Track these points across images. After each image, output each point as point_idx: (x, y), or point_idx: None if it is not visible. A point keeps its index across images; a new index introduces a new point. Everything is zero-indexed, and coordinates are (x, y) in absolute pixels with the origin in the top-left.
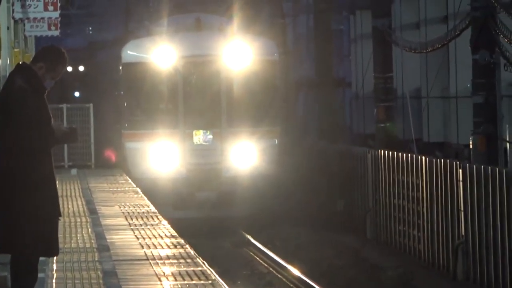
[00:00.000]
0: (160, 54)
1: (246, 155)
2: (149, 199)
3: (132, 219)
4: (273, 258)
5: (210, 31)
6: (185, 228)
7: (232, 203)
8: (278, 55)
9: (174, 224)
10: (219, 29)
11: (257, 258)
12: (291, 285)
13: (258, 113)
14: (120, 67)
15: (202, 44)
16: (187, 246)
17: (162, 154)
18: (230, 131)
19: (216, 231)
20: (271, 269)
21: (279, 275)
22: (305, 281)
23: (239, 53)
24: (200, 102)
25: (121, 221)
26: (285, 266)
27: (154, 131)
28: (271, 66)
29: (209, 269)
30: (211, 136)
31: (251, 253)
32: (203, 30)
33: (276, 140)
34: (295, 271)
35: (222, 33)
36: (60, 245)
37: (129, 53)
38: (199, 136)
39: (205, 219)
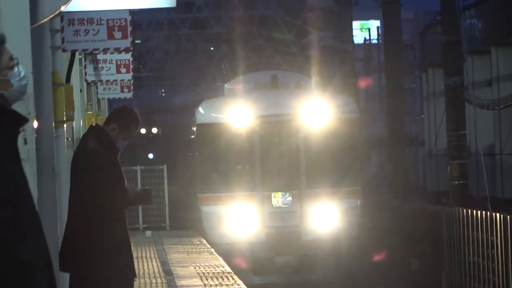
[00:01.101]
0: (235, 114)
1: (327, 217)
2: (227, 264)
3: (207, 279)
4: None
5: (287, 89)
6: None
7: (313, 268)
8: (359, 113)
9: None
10: (296, 86)
11: None
12: None
13: (338, 172)
14: (194, 128)
15: (279, 103)
16: None
17: (240, 217)
18: (310, 192)
19: None
20: None
21: None
22: None
23: (318, 111)
24: (278, 162)
25: (197, 281)
26: None
27: (231, 193)
28: (351, 123)
29: None
30: (290, 198)
31: None
32: (279, 88)
33: (358, 201)
34: None
35: (300, 91)
36: None
37: (203, 113)
38: (278, 198)
39: (286, 284)
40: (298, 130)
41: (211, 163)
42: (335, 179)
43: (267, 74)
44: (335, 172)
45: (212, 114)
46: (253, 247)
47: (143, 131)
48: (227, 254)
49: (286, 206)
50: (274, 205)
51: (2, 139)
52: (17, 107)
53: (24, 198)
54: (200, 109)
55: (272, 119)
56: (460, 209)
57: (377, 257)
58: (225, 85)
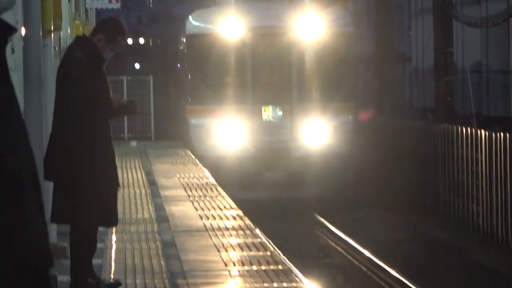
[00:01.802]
0: (227, 25)
1: (318, 133)
2: (214, 178)
3: (191, 190)
4: (347, 241)
5: (280, 1)
6: (253, 210)
7: (303, 184)
8: (352, 27)
9: (241, 205)
10: None
11: (331, 242)
12: (363, 268)
13: (331, 88)
14: (184, 39)
15: (272, 15)
16: (246, 218)
17: (229, 131)
18: (301, 107)
19: (286, 213)
20: (345, 253)
21: (350, 257)
22: (377, 263)
23: (312, 24)
24: (270, 76)
25: (180, 192)
26: (360, 251)
27: (221, 106)
28: (346, 38)
29: (268, 241)
30: (281, 113)
31: (324, 237)
32: (273, 0)
33: (350, 117)
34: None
35: (294, 3)
36: (120, 216)
37: (194, 23)
38: (268, 113)
39: (274, 200)
40: (291, 43)
41: (200, 74)
42: (327, 94)
43: None
44: (328, 87)
45: (202, 25)
46: (241, 162)
47: (130, 41)
48: (215, 168)
49: (276, 120)
50: (264, 119)
51: None
52: (5, 16)
53: (11, 110)
54: (190, 19)
55: (264, 31)
56: (446, 126)
57: (363, 116)
58: None
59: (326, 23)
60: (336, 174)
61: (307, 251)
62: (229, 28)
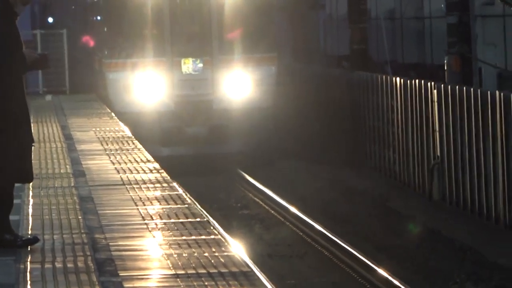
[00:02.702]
0: None
1: (240, 85)
2: (134, 135)
3: (107, 144)
4: (265, 192)
5: None
6: (174, 166)
7: (225, 139)
8: None
9: (162, 161)
10: None
11: (250, 195)
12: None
13: (253, 38)
14: None
15: None
16: (163, 171)
17: (147, 85)
18: (223, 59)
19: (208, 169)
20: (263, 204)
21: (268, 208)
22: (295, 213)
23: None
24: (189, 26)
25: (97, 146)
26: (282, 204)
27: (138, 59)
28: None
29: (184, 193)
30: (201, 65)
31: (244, 190)
32: None
33: (274, 68)
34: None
35: None
36: (35, 171)
37: None
38: (188, 65)
39: (195, 156)
40: None
41: (116, 27)
42: (249, 45)
43: None
44: (250, 38)
45: None
46: (161, 117)
47: None
48: (133, 124)
49: (196, 73)
50: (184, 72)
51: None
52: None
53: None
54: None
55: None
56: (361, 73)
57: None
58: None
59: None
60: (259, 128)
61: (226, 204)
62: None
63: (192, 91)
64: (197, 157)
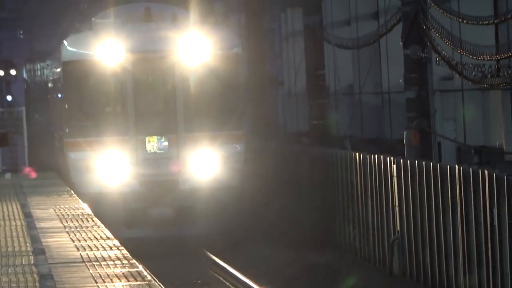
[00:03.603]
0: (105, 49)
1: (206, 164)
2: (97, 217)
3: (67, 221)
4: (242, 280)
5: (161, 23)
6: (139, 249)
7: (192, 220)
8: (241, 48)
9: (127, 244)
10: (172, 20)
11: (225, 281)
12: None
13: (219, 115)
14: (59, 66)
15: (153, 38)
16: (123, 248)
17: (111, 164)
18: (188, 137)
19: (175, 251)
20: (227, 283)
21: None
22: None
23: (196, 47)
24: (153, 104)
25: (56, 223)
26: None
27: (101, 138)
28: (233, 60)
29: (145, 270)
30: (166, 143)
31: (217, 275)
32: (153, 22)
33: (241, 146)
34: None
35: (176, 25)
36: None
37: (69, 49)
38: (153, 143)
39: (161, 238)
40: (175, 68)
41: (78, 104)
42: (216, 122)
43: (140, 6)
44: (216, 114)
45: (79, 50)
46: (125, 198)
47: (1, 73)
48: (96, 204)
49: (162, 151)
50: (148, 151)
51: None
52: None
53: None
54: (65, 44)
55: (145, 56)
56: (320, 149)
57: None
58: (93, 19)
59: (212, 45)
60: (226, 208)
61: (188, 280)
62: (108, 53)
63: (157, 170)
64: (163, 239)
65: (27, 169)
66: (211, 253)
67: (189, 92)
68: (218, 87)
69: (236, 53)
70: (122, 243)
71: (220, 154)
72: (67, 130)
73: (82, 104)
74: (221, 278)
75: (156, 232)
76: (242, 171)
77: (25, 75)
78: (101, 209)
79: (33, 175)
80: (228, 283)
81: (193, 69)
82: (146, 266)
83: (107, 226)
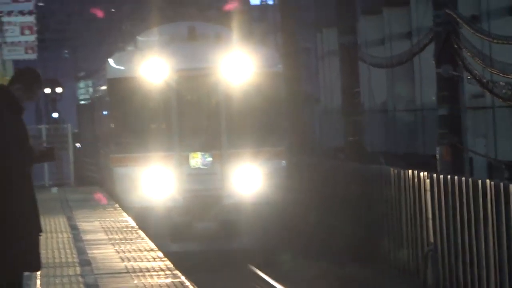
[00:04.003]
0: (149, 67)
1: (249, 180)
2: (142, 230)
3: (112, 233)
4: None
5: (205, 41)
6: (184, 262)
7: (235, 234)
8: (281, 66)
9: (171, 257)
10: (215, 39)
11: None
12: None
13: (262, 131)
14: (105, 84)
15: (197, 56)
16: (166, 259)
17: (156, 180)
18: (232, 153)
19: (219, 265)
20: None
21: None
22: None
23: (239, 65)
24: (197, 120)
25: (101, 236)
26: None
27: (146, 154)
28: (274, 78)
29: (187, 281)
30: (210, 159)
31: (255, 284)
32: (197, 41)
33: (284, 162)
34: None
35: (219, 43)
36: (43, 260)
37: (114, 67)
38: (197, 159)
39: (205, 252)
40: (218, 85)
41: (124, 121)
42: (258, 138)
43: (184, 26)
44: (259, 131)
45: (124, 68)
46: (170, 212)
47: (47, 91)
48: (141, 218)
49: (205, 167)
50: (192, 167)
51: None
52: None
53: None
54: (110, 62)
55: (189, 74)
56: (357, 164)
57: None
58: (138, 37)
59: (254, 63)
60: (269, 222)
61: None
62: (152, 70)
63: (201, 185)
64: (207, 253)
65: (98, 195)
66: (254, 266)
67: (232, 109)
68: (260, 104)
69: (277, 71)
70: (166, 256)
71: (262, 170)
72: (113, 146)
73: (127, 121)
74: None
75: (200, 246)
76: (283, 187)
77: (77, 92)
78: (146, 223)
79: (104, 201)
80: None
81: (236, 87)
82: (190, 279)
83: (152, 239)
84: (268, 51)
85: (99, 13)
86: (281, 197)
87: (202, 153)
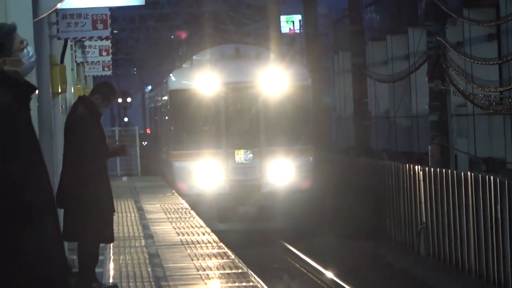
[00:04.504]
0: (203, 81)
1: (283, 172)
2: (196, 213)
3: (170, 213)
4: (311, 264)
5: (248, 60)
6: (229, 239)
7: (271, 216)
8: (311, 81)
9: (219, 235)
10: (256, 58)
11: (296, 265)
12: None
13: (293, 133)
14: (166, 95)
15: (241, 72)
16: (213, 234)
17: (207, 171)
18: (268, 150)
19: (257, 241)
20: (309, 274)
21: (315, 278)
22: (335, 280)
23: (275, 79)
24: (241, 124)
25: (161, 215)
26: (321, 271)
27: (200, 151)
28: (305, 90)
29: (229, 251)
30: (251, 155)
31: (290, 260)
32: (242, 59)
33: (311, 158)
34: (328, 273)
35: (259, 61)
36: (115, 234)
37: (175, 80)
38: (240, 155)
39: (247, 231)
40: (258, 96)
41: (182, 124)
42: (290, 139)
43: (231, 47)
44: (291, 132)
45: (183, 81)
46: (218, 198)
47: (120, 100)
48: (196, 204)
49: (247, 162)
50: (237, 161)
51: (19, 104)
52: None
53: (35, 153)
54: (172, 76)
55: (235, 86)
56: (366, 159)
57: None
58: (194, 57)
59: (288, 77)
60: (298, 206)
61: (264, 261)
62: (205, 84)
63: (244, 176)
64: (248, 231)
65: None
66: (286, 242)
67: (269, 115)
68: (292, 111)
69: (307, 84)
70: (215, 234)
71: (293, 164)
72: (173, 144)
73: (184, 124)
74: (294, 263)
75: (242, 225)
76: (311, 178)
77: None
78: (199, 207)
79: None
80: (299, 266)
81: (273, 97)
82: (234, 252)
83: (203, 220)
84: (300, 68)
85: (161, 39)
86: (309, 186)
87: (245, 150)
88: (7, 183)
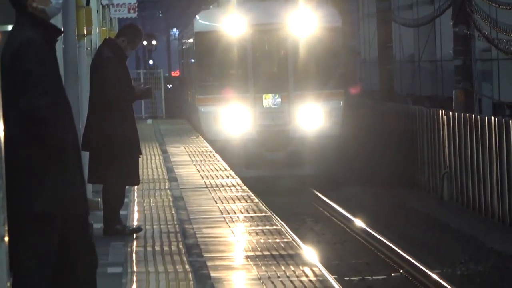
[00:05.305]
0: (230, 23)
1: (312, 117)
2: (222, 159)
3: (194, 156)
4: (339, 211)
5: (276, 0)
6: (256, 186)
7: (299, 163)
8: (341, 23)
9: (246, 182)
10: None
11: (325, 212)
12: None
13: (323, 76)
14: (191, 37)
15: (269, 13)
16: (237, 177)
17: (234, 117)
18: (297, 94)
19: (285, 188)
20: (338, 221)
21: (343, 225)
22: (366, 229)
23: (305, 20)
24: (269, 67)
25: (186, 158)
26: (351, 219)
27: (226, 95)
28: (335, 32)
29: (252, 195)
30: (279, 99)
31: (320, 208)
32: (270, 0)
33: (341, 102)
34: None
35: (288, 2)
36: (140, 177)
37: (201, 22)
38: (268, 100)
39: (274, 177)
40: (287, 38)
41: (208, 67)
42: (320, 82)
43: None
44: (320, 76)
45: (208, 23)
46: (245, 144)
47: (145, 43)
48: (222, 150)
49: (275, 106)
50: (264, 106)
51: (46, 46)
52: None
53: (61, 92)
54: (197, 18)
55: (263, 28)
56: (389, 104)
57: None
58: None
59: (318, 19)
60: (329, 153)
61: (288, 205)
62: (232, 25)
63: (272, 121)
64: (276, 178)
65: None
66: (315, 189)
67: (298, 58)
68: (322, 53)
69: (337, 26)
70: (242, 181)
71: (323, 109)
72: (198, 88)
73: (210, 67)
74: (323, 210)
75: (270, 172)
76: (341, 123)
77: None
78: (226, 153)
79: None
80: (328, 214)
81: (302, 39)
82: (262, 200)
83: (230, 166)
84: (330, 9)
85: None
86: (339, 131)
87: (273, 94)
88: (36, 117)
